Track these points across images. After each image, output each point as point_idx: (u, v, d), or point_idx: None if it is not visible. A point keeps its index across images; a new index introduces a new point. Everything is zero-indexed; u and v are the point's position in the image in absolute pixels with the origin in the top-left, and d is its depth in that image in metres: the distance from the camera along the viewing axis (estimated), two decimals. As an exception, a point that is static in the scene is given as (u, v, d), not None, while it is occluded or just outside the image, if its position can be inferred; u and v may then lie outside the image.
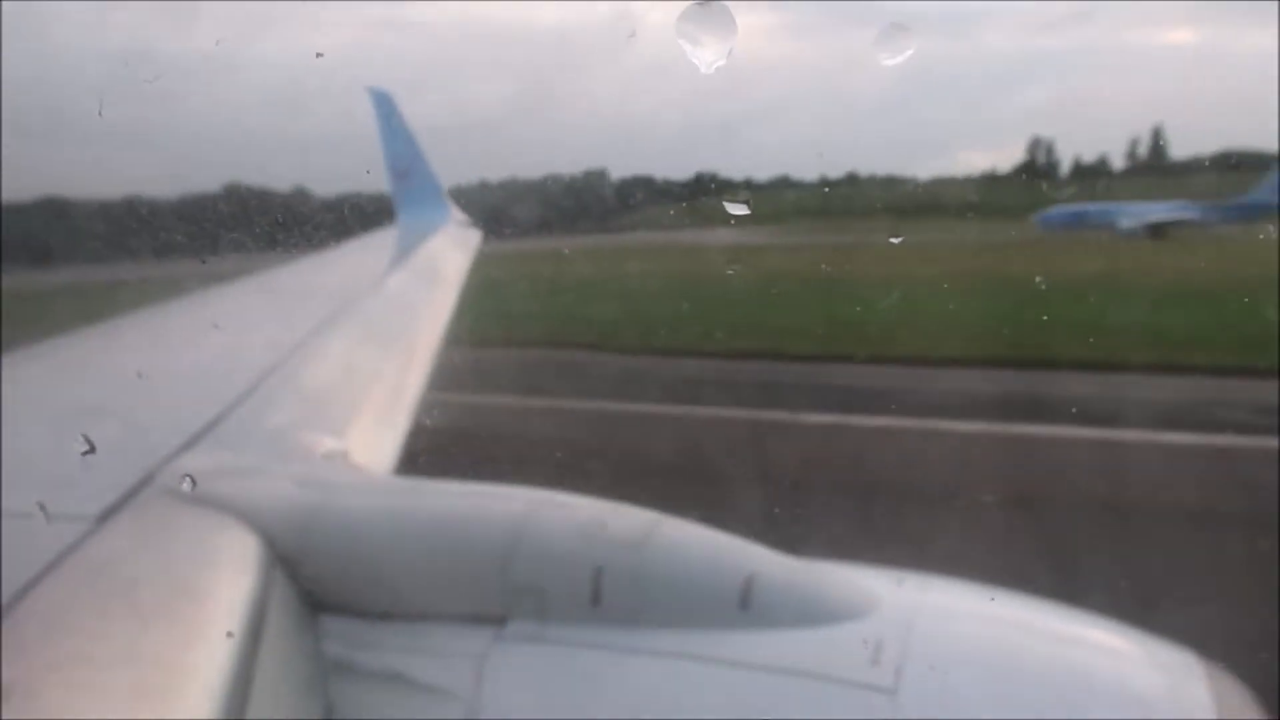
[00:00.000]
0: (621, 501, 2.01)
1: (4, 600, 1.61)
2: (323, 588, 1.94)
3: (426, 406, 3.81)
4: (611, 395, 15.16)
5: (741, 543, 1.91)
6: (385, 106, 11.66)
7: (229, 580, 1.79)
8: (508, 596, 1.86)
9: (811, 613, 1.76)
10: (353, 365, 3.96)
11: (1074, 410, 13.88)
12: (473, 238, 10.24)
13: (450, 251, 8.98)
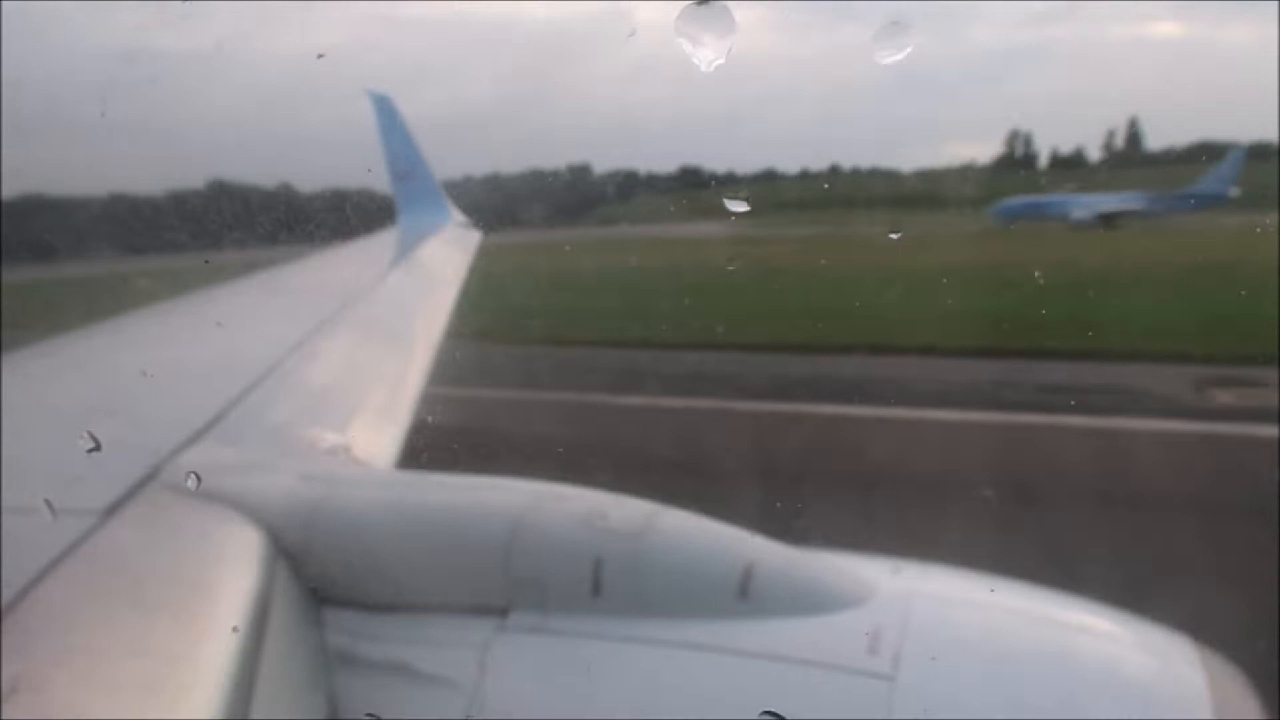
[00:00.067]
0: (619, 493, 2.02)
1: (11, 595, 1.62)
2: (326, 581, 1.95)
3: (427, 402, 3.82)
4: (599, 388, 15.39)
5: (740, 533, 1.92)
6: (385, 109, 11.67)
7: (233, 574, 1.81)
8: (509, 588, 1.87)
9: (810, 601, 1.78)
10: (354, 362, 3.98)
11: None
12: (472, 239, 10.27)
13: (450, 252, 9.01)
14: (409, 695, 1.81)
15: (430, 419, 3.62)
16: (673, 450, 11.51)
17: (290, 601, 1.87)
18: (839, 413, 13.22)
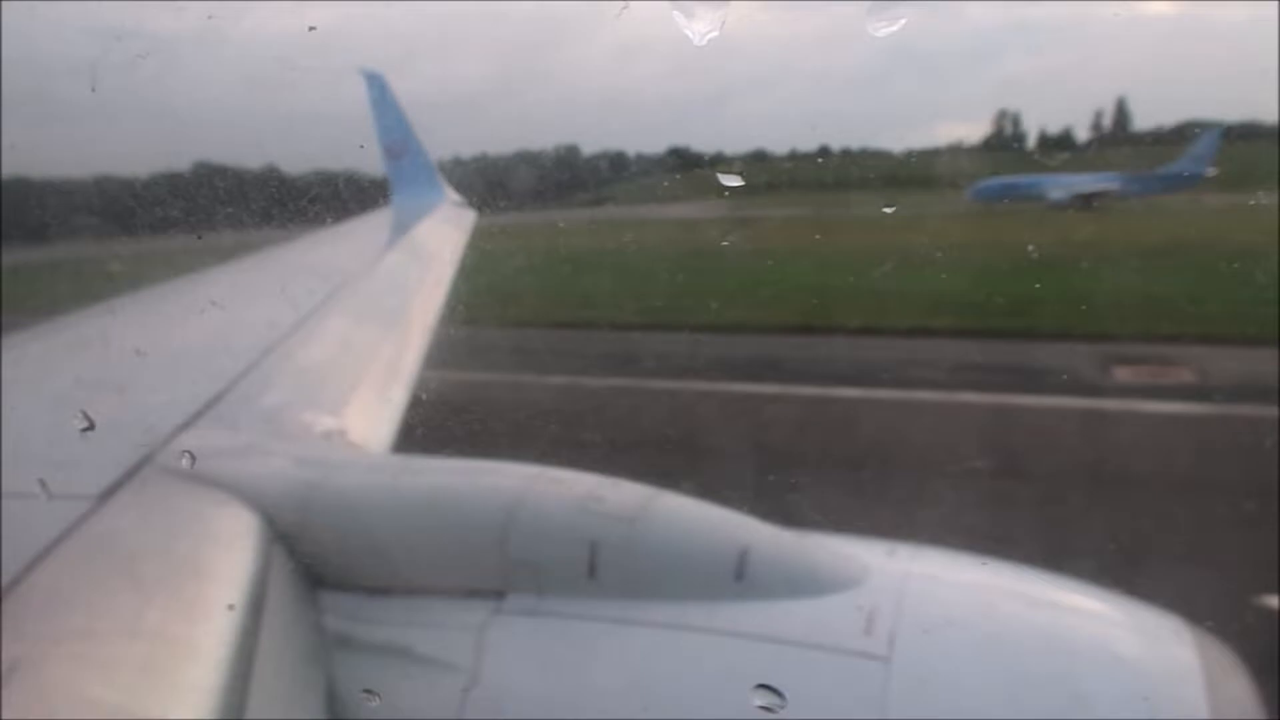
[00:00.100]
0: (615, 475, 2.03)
1: (10, 578, 1.62)
2: (322, 564, 1.96)
3: (423, 384, 3.81)
4: (596, 371, 15.67)
5: (735, 516, 1.93)
6: (378, 88, 11.58)
7: (230, 557, 1.81)
8: (506, 570, 1.88)
9: (805, 583, 1.79)
10: (350, 345, 3.97)
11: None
12: (467, 218, 10.22)
13: (445, 232, 8.97)
14: (406, 676, 1.81)
15: (425, 399, 3.61)
16: (654, 431, 11.77)
17: (287, 584, 1.88)
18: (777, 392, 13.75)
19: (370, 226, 8.91)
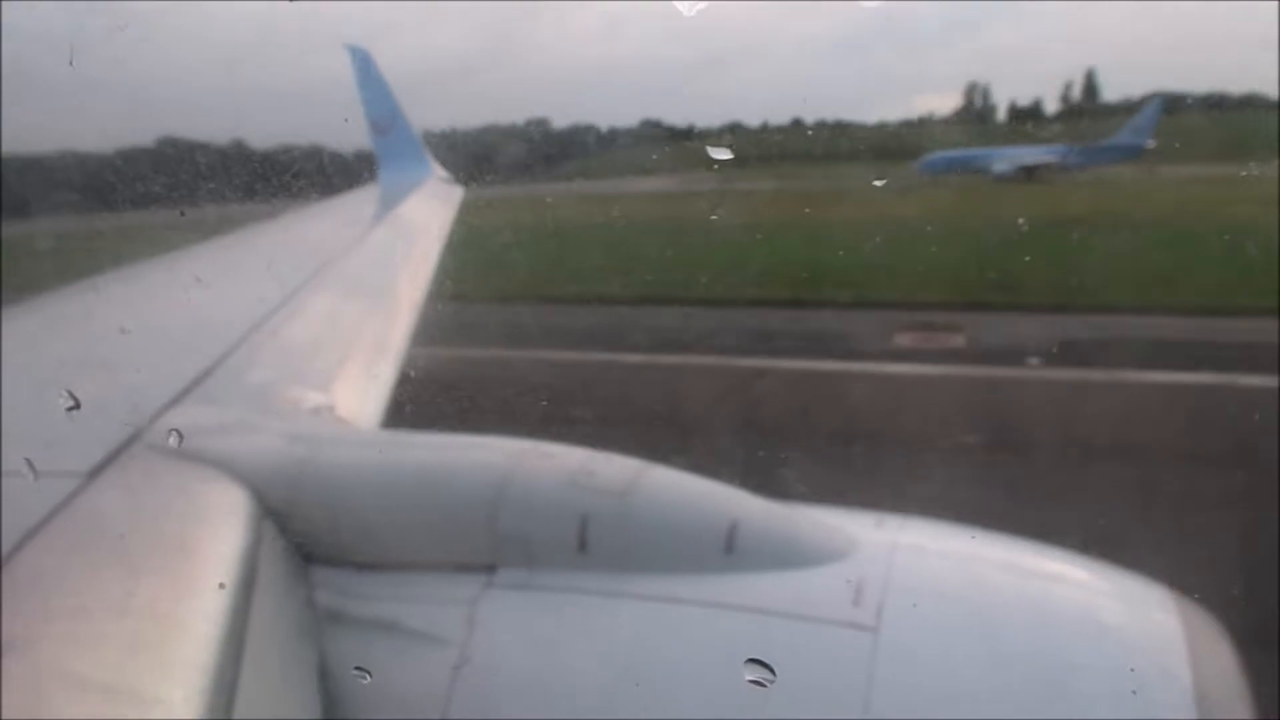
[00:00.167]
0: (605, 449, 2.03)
1: None
2: (313, 540, 1.96)
3: (411, 360, 3.81)
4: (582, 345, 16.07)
5: (725, 489, 1.94)
6: (363, 62, 11.45)
7: (220, 534, 1.81)
8: (496, 545, 1.88)
9: (794, 555, 1.80)
10: (338, 320, 3.95)
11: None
12: (454, 193, 10.16)
13: (433, 207, 8.92)
14: (397, 651, 1.82)
15: (414, 375, 3.61)
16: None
17: (278, 560, 1.88)
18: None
19: (358, 202, 8.84)
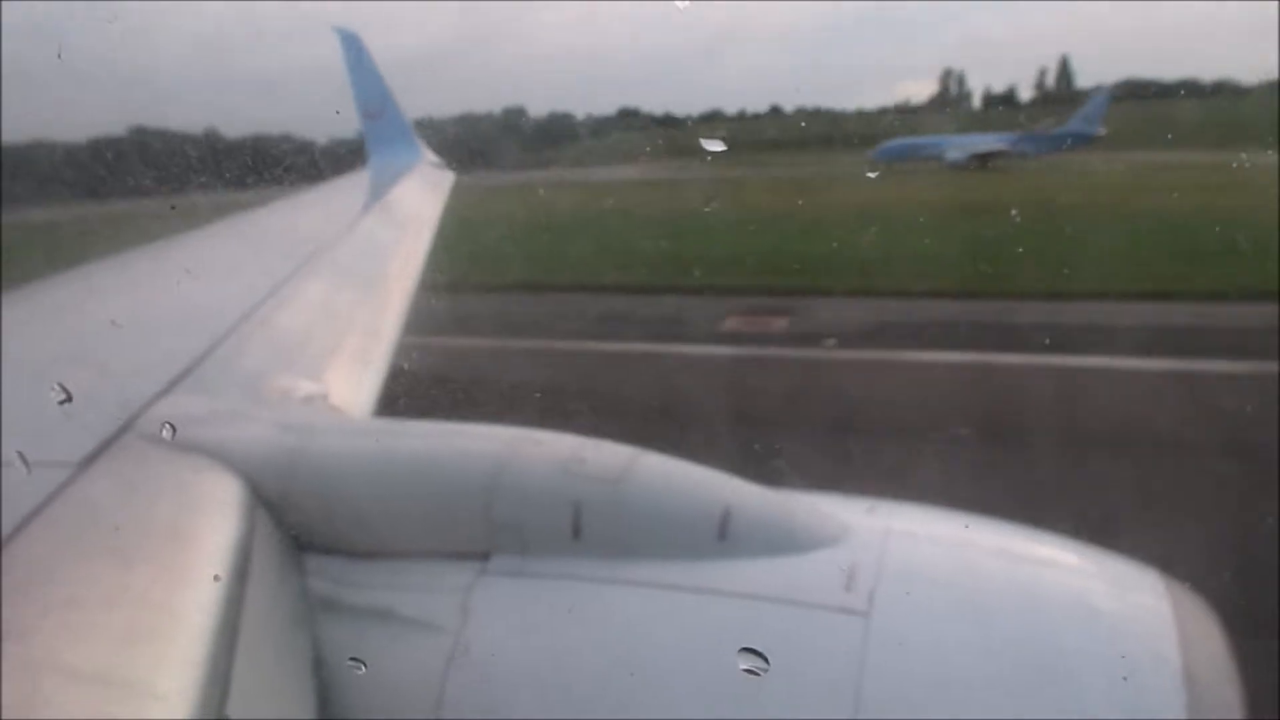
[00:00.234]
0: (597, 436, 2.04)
1: None
2: (307, 528, 1.96)
3: (403, 347, 3.80)
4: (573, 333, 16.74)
5: (718, 475, 1.94)
6: (354, 47, 11.38)
7: (213, 523, 1.81)
8: (490, 532, 1.89)
9: (787, 541, 1.81)
10: (330, 308, 3.94)
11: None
12: (445, 179, 10.12)
13: (424, 193, 8.88)
14: (392, 640, 1.83)
15: (406, 365, 3.60)
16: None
17: (271, 549, 1.88)
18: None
19: (348, 187, 8.80)
